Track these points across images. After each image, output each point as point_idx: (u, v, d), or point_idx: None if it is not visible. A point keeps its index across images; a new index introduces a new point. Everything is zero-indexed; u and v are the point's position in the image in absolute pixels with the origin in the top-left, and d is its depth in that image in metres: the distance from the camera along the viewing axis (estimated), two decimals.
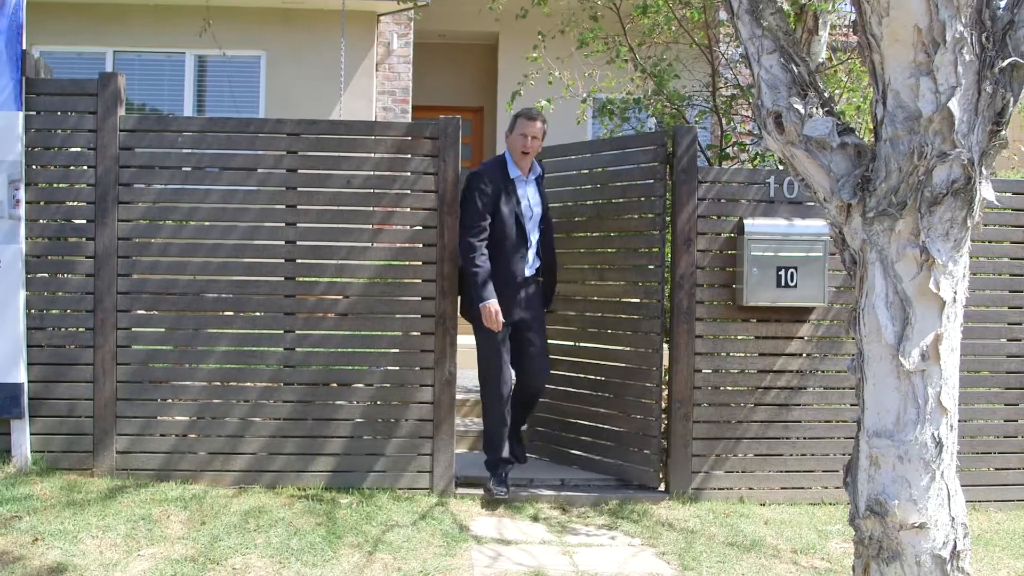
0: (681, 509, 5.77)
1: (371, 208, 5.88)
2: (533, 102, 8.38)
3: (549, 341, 6.17)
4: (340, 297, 5.87)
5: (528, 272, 5.89)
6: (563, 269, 6.29)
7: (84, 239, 5.76)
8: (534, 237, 5.92)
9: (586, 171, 6.31)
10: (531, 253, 5.90)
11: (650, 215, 6.02)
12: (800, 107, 3.26)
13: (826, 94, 3.37)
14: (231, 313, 5.85)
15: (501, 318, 5.65)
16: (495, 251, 5.76)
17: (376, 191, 5.86)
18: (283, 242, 5.83)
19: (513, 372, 5.95)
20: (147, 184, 5.83)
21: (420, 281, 5.87)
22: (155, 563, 4.52)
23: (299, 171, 5.86)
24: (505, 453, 5.88)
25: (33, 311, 5.72)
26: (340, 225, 5.87)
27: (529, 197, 5.90)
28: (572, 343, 6.28)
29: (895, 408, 3.07)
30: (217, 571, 4.48)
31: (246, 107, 11.76)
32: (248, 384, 5.85)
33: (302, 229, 5.85)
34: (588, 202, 6.19)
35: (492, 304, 5.63)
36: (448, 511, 5.53)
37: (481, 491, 5.78)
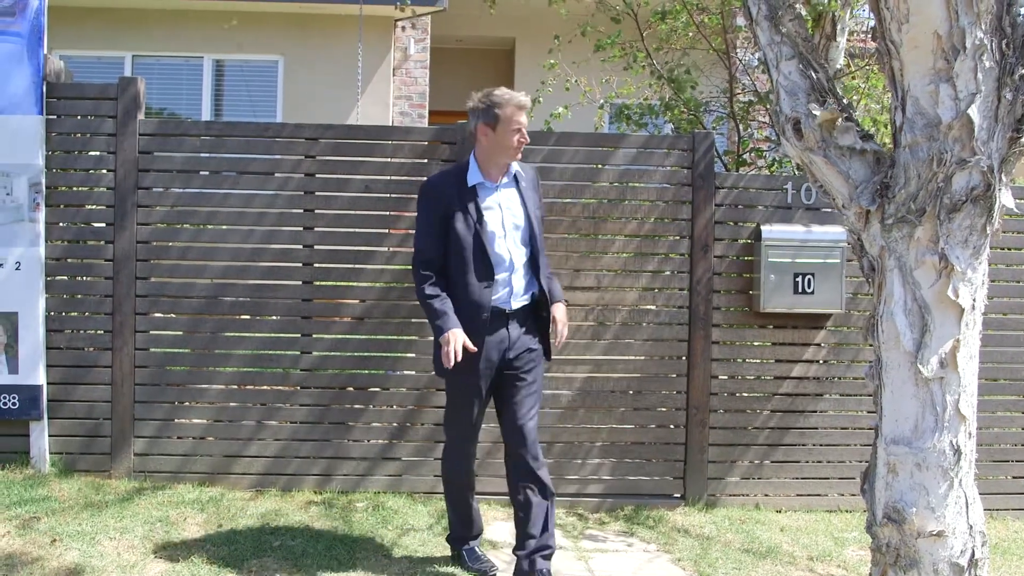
0: (697, 515, 5.76)
1: (389, 213, 5.90)
2: (550, 108, 8.40)
3: (567, 342, 5.90)
4: (357, 301, 5.89)
5: (510, 304, 4.51)
6: (577, 275, 6.04)
7: (103, 243, 5.80)
8: (513, 256, 4.51)
9: (605, 167, 6.07)
10: (509, 278, 4.49)
11: (674, 220, 6.00)
12: (819, 113, 3.26)
13: (844, 100, 3.38)
14: (248, 317, 5.88)
15: (460, 346, 4.28)
16: (453, 280, 4.47)
17: (394, 195, 5.88)
18: (301, 246, 5.86)
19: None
20: (166, 188, 5.86)
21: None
22: (172, 565, 4.54)
23: (317, 175, 5.89)
24: (475, 529, 4.83)
25: (52, 314, 5.75)
26: (358, 229, 5.89)
27: (502, 206, 4.53)
28: (589, 350, 6.25)
29: (913, 415, 3.07)
30: (234, 574, 4.50)
31: (263, 111, 11.82)
32: (265, 388, 5.87)
33: (320, 233, 5.88)
34: (606, 201, 6.09)
35: (452, 332, 4.30)
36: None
37: (496, 495, 5.75)
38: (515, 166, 4.60)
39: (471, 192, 4.48)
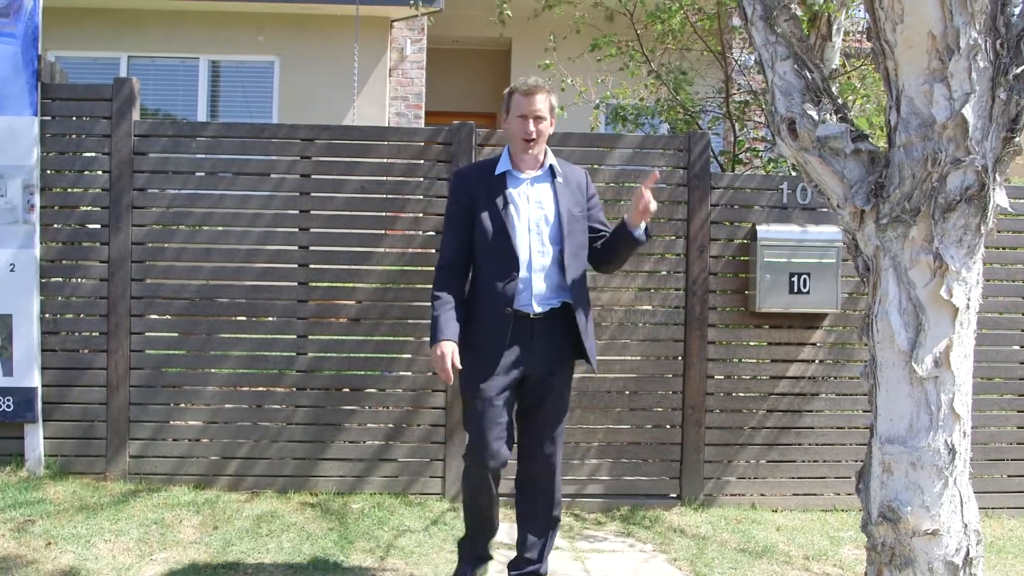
0: (693, 515, 5.76)
1: (385, 213, 5.90)
2: None
3: None
4: (353, 302, 5.89)
5: (532, 306, 4.16)
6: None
7: (98, 244, 5.79)
8: (537, 254, 4.19)
9: (600, 168, 6.08)
10: (529, 277, 4.17)
11: (670, 220, 6.00)
12: (814, 113, 3.26)
13: (840, 100, 3.38)
14: (244, 318, 5.87)
15: (450, 364, 4.02)
16: (477, 273, 4.27)
17: (390, 196, 5.88)
18: (296, 247, 5.85)
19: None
20: (161, 189, 5.85)
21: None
22: (168, 567, 4.53)
23: (313, 176, 5.89)
24: (480, 549, 4.45)
25: (47, 316, 5.74)
26: (354, 230, 5.89)
27: (530, 199, 4.24)
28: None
29: (908, 414, 3.07)
30: None
31: (259, 112, 11.81)
32: (261, 389, 5.87)
33: (316, 234, 5.87)
34: (602, 201, 6.02)
35: (440, 347, 4.05)
36: (460, 517, 5.53)
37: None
38: (552, 160, 4.33)
39: (499, 180, 4.25)
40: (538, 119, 4.20)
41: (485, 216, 4.19)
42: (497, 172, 4.25)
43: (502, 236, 4.16)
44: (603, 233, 4.40)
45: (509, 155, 4.30)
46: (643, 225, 4.21)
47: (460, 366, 4.07)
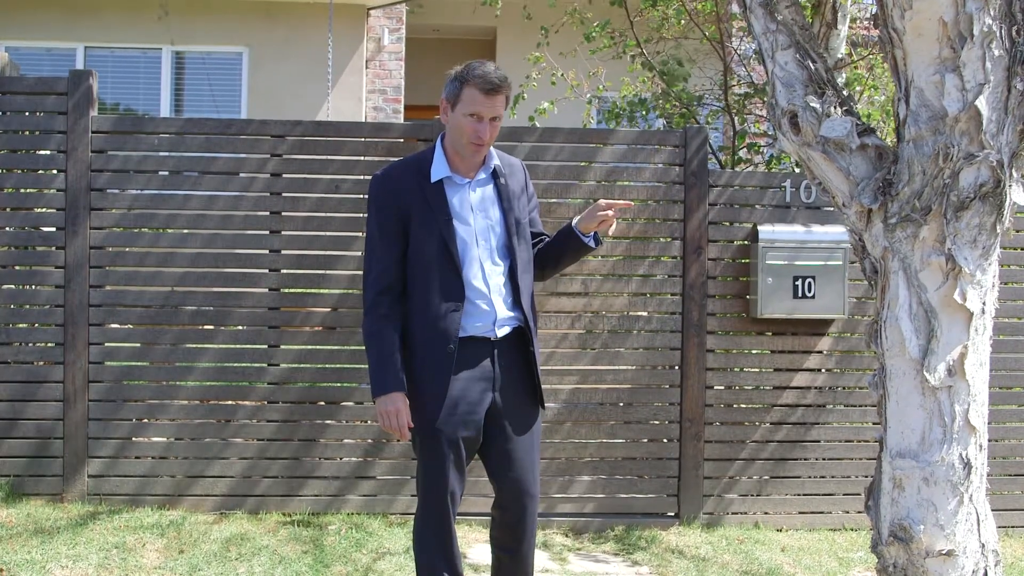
0: (692, 535, 5.76)
1: (361, 214, 5.89)
2: (535, 103, 8.38)
3: (552, 352, 5.95)
4: (327, 309, 5.87)
5: (494, 331, 3.74)
6: (562, 279, 5.97)
7: (54, 248, 5.75)
8: (492, 274, 3.77)
9: (592, 165, 6.05)
10: (490, 299, 3.75)
11: (665, 220, 6.00)
12: (817, 106, 3.26)
13: (845, 92, 3.38)
14: (212, 327, 5.85)
15: (404, 420, 3.63)
16: (413, 301, 3.75)
17: (366, 196, 5.85)
18: (267, 251, 5.84)
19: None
20: (121, 189, 5.83)
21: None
22: None
23: (284, 175, 5.87)
24: None
25: None
26: (327, 233, 5.87)
27: (474, 206, 3.77)
28: (576, 360, 6.22)
29: (920, 427, 3.07)
30: None
31: (227, 107, 11.78)
32: (230, 402, 5.84)
33: (288, 237, 5.86)
34: (592, 201, 6.01)
35: (389, 402, 3.64)
36: None
37: (478, 515, 5.73)
38: (496, 158, 3.84)
39: (436, 189, 3.73)
40: (494, 121, 3.69)
41: (423, 233, 3.70)
42: (434, 178, 3.74)
43: (446, 257, 3.69)
44: (542, 238, 4.06)
45: (445, 154, 3.78)
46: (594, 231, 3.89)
47: (413, 424, 3.68)
